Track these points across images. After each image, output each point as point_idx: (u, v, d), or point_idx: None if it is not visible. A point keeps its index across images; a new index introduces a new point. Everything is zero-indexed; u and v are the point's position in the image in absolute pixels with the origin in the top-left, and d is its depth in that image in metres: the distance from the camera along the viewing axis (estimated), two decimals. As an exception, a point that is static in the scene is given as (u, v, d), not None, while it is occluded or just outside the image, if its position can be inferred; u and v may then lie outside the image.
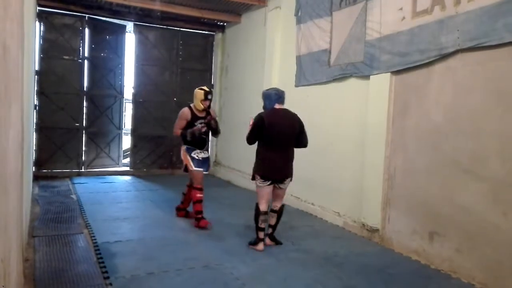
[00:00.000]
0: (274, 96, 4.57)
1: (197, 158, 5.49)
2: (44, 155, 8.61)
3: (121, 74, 9.51)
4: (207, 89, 5.53)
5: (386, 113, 5.02)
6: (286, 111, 4.59)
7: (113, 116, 9.44)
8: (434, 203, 4.34)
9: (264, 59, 7.89)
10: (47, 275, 3.66)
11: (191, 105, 5.59)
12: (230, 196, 7.69)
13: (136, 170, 9.58)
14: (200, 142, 5.54)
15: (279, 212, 4.74)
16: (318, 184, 6.26)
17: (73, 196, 6.91)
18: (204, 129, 5.51)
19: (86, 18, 8.79)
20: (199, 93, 5.50)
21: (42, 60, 8.43)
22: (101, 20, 8.97)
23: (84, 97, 8.97)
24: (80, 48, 8.86)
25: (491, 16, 3.72)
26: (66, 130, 8.81)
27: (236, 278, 3.82)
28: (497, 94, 3.77)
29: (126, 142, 10.20)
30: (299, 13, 6.79)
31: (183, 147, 5.59)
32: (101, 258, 4.13)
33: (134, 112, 9.65)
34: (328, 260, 4.41)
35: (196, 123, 5.47)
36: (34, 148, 8.04)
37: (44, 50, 8.48)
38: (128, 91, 10.05)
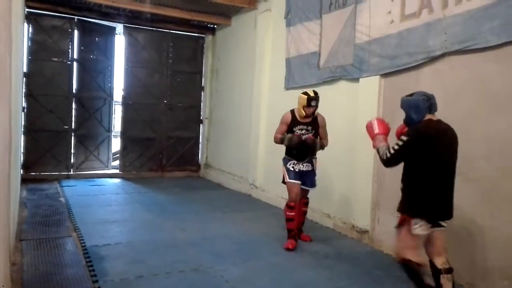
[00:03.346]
0: (423, 104, 3.16)
1: (292, 169, 4.83)
2: (32, 158, 8.51)
3: (111, 76, 9.45)
4: (311, 94, 4.73)
5: (375, 115, 5.05)
6: (445, 124, 3.25)
7: (102, 118, 9.37)
8: (423, 205, 4.36)
9: (254, 62, 7.90)
10: (35, 279, 3.62)
11: (295, 108, 4.91)
12: (221, 198, 7.67)
13: (126, 173, 9.51)
14: (298, 153, 4.83)
15: (452, 270, 3.20)
16: (308, 186, 6.28)
17: (62, 199, 6.84)
18: (304, 137, 4.78)
19: (75, 19, 8.72)
20: (301, 98, 4.76)
21: (30, 62, 8.34)
22: (90, 21, 8.90)
23: (73, 99, 8.89)
24: (69, 50, 8.78)
25: (478, 19, 3.77)
26: (54, 132, 8.72)
27: (226, 281, 3.81)
28: (484, 96, 3.82)
29: (116, 144, 10.14)
30: (289, 16, 6.82)
31: (283, 157, 4.98)
32: (90, 261, 4.09)
33: (123, 115, 9.59)
34: (318, 262, 4.43)
35: (295, 129, 4.82)
36: (22, 151, 7.94)
37: (32, 52, 8.39)
38: (118, 93, 9.99)
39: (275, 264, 4.31)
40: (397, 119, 4.74)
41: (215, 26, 9.82)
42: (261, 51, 7.68)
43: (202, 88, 10.30)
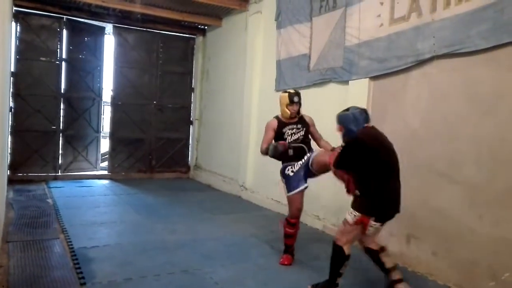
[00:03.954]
0: (360, 116, 3.49)
1: (292, 174, 4.35)
2: (20, 159, 8.40)
3: (100, 77, 9.38)
4: (292, 91, 4.47)
5: (364, 117, 5.07)
6: (378, 130, 3.58)
7: (91, 119, 9.30)
8: (411, 207, 4.39)
9: (245, 63, 7.90)
10: (22, 282, 3.57)
11: (278, 114, 4.55)
12: (211, 200, 7.66)
13: (114, 174, 9.44)
14: (296, 155, 4.37)
15: (385, 248, 3.65)
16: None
17: (49, 201, 6.77)
18: (292, 145, 4.35)
19: (64, 19, 8.63)
20: (283, 97, 4.44)
21: (18, 61, 8.24)
22: (79, 21, 8.82)
23: (62, 99, 8.80)
24: (58, 50, 8.69)
25: (466, 23, 3.81)
26: (42, 133, 8.63)
27: (215, 283, 3.80)
28: (472, 99, 3.87)
29: (104, 145, 10.06)
30: (280, 18, 6.83)
31: (280, 169, 4.49)
32: (78, 263, 4.05)
33: (112, 115, 9.52)
34: (308, 264, 4.43)
35: (285, 130, 4.44)
36: (9, 151, 7.85)
37: (20, 51, 8.29)
38: (107, 93, 9.92)
39: (264, 266, 4.31)
40: (386, 121, 4.79)
41: (206, 27, 9.80)
42: (252, 53, 7.69)
43: (192, 89, 10.28)
